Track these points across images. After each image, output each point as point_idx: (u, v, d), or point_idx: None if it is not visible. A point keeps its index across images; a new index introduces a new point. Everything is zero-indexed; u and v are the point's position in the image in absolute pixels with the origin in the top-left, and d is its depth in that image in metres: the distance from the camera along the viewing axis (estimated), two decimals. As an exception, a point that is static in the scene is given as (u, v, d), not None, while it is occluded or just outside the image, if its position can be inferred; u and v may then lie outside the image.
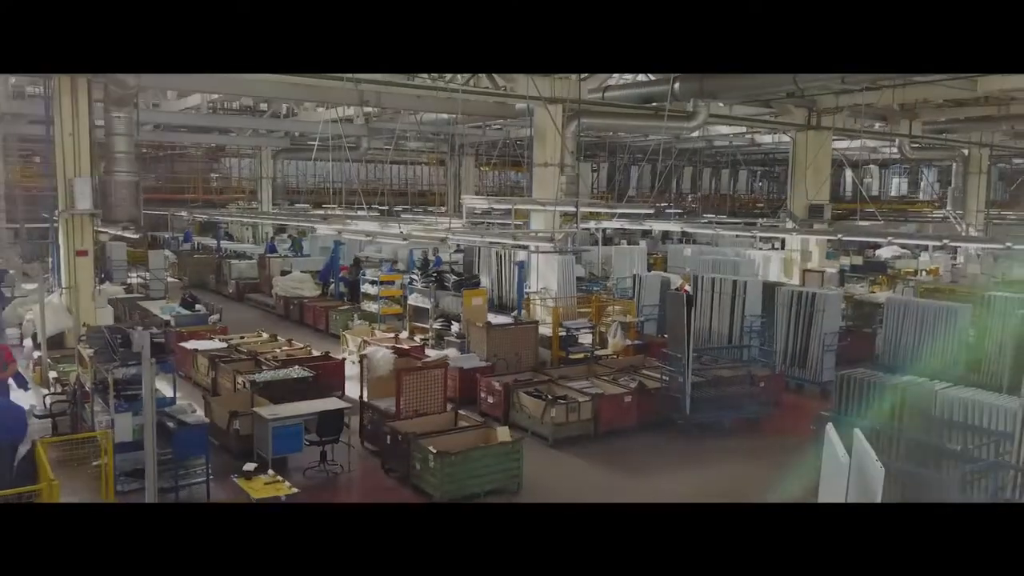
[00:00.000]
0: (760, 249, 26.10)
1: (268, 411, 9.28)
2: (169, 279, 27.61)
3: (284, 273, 22.56)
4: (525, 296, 19.54)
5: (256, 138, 30.77)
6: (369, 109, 24.78)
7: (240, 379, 11.76)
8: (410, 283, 16.01)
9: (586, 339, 15.98)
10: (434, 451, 8.59)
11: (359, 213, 24.67)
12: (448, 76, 17.19)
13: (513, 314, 15.78)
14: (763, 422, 11.95)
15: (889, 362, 13.89)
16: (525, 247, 17.05)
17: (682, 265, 24.27)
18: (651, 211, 15.28)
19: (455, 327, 14.64)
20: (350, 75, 14.73)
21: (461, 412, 10.34)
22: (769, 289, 15.16)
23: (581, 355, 14.90)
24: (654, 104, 19.07)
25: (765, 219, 25.96)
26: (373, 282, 17.36)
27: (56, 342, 13.62)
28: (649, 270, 23.69)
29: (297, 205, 34.26)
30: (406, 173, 38.87)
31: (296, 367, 12.31)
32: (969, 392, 8.06)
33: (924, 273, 23.47)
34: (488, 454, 8.92)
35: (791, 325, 13.99)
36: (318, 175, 37.60)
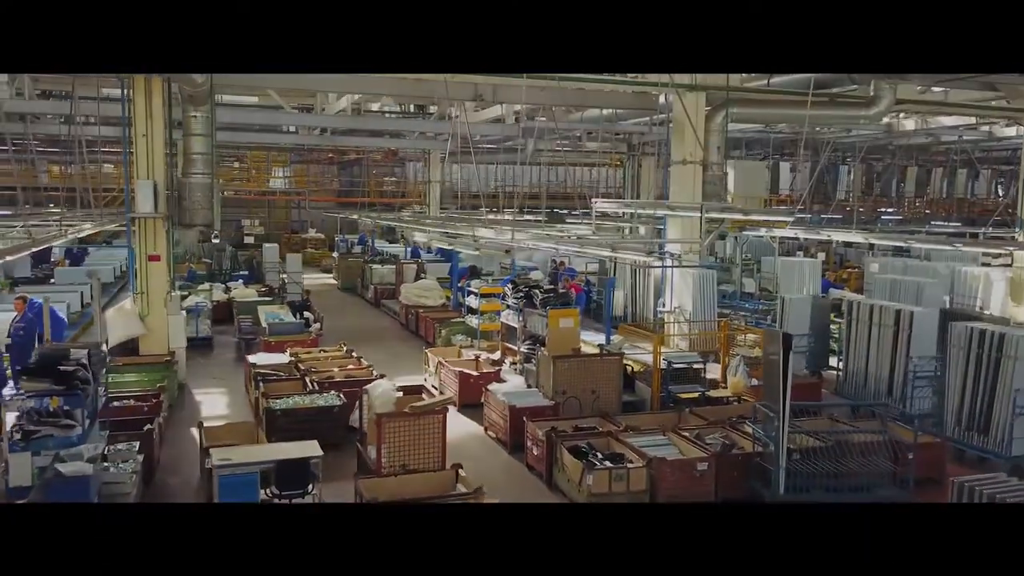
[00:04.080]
0: (988, 266, 21.13)
1: (220, 454, 7.83)
2: (330, 282, 28.01)
3: (418, 278, 21.57)
4: (660, 317, 16.95)
5: (425, 141, 30.33)
6: (517, 108, 23.34)
7: (263, 403, 10.56)
8: (502, 298, 14.10)
9: (713, 373, 13.23)
10: (376, 529, 6.63)
11: (525, 218, 23.26)
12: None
13: (599, 343, 13.31)
14: (901, 511, 8.68)
15: None
16: (651, 260, 14.53)
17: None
18: (790, 217, 12.14)
19: (540, 351, 12.51)
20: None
21: (463, 471, 8.24)
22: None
23: (694, 395, 12.19)
24: (825, 91, 15.81)
25: (988, 228, 20.94)
26: (475, 294, 15.68)
27: (131, 348, 13.34)
28: (829, 288, 19.92)
29: (481, 210, 33.55)
30: (585, 176, 36.74)
31: (331, 392, 10.91)
32: None
33: None
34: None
35: (970, 375, 10.33)
36: (495, 179, 36.70)
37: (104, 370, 8.40)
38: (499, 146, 28.99)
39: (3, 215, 15.47)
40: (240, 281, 22.08)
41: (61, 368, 6.98)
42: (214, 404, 12.80)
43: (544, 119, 23.68)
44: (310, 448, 8.04)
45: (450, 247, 14.24)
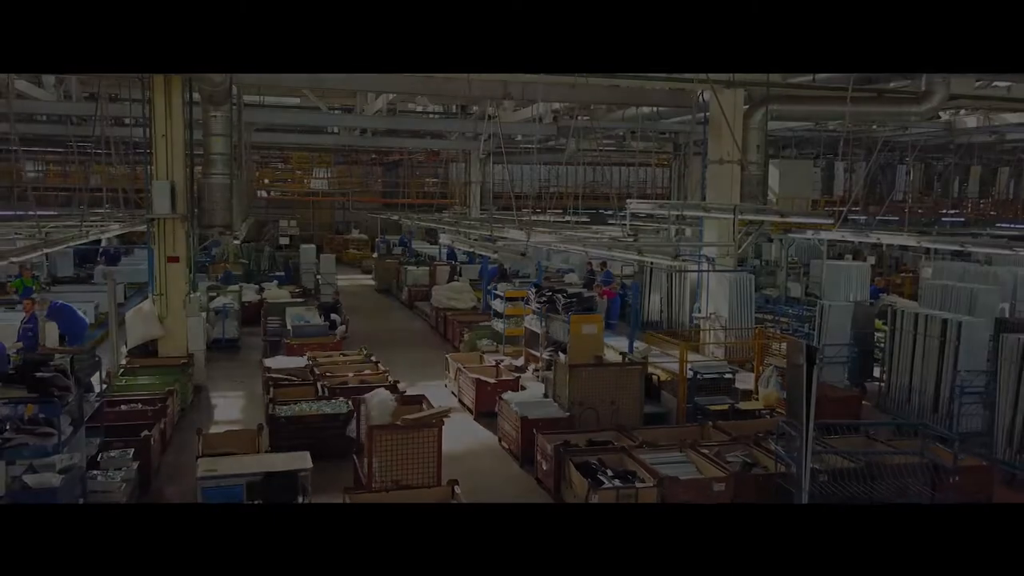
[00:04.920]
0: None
1: (207, 465, 7.55)
2: (369, 283, 27.89)
3: (451, 281, 21.24)
4: (695, 322, 16.28)
5: (465, 142, 30.00)
6: (556, 106, 22.83)
7: (270, 410, 10.28)
8: (526, 302, 13.62)
9: (747, 383, 12.55)
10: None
11: (567, 219, 22.72)
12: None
13: (622, 351, 12.71)
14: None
15: None
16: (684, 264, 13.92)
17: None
18: (829, 220, 11.37)
19: (562, 359, 11.99)
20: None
21: (459, 489, 7.78)
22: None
23: (723, 407, 11.53)
24: (873, 86, 14.93)
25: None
26: (500, 298, 15.23)
27: (152, 351, 13.25)
28: (879, 294, 18.90)
29: (515, 211, 32.98)
30: (633, 176, 35.94)
31: (340, 400, 10.59)
32: None
33: None
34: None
35: (1023, 392, 9.46)
36: (539, 179, 36.14)
37: (96, 375, 8.19)
38: (540, 146, 28.50)
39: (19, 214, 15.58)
40: (275, 282, 22.01)
41: (38, 375, 6.75)
42: (229, 408, 12.59)
43: (587, 117, 23.19)
44: (300, 460, 7.69)
45: (470, 249, 13.76)
